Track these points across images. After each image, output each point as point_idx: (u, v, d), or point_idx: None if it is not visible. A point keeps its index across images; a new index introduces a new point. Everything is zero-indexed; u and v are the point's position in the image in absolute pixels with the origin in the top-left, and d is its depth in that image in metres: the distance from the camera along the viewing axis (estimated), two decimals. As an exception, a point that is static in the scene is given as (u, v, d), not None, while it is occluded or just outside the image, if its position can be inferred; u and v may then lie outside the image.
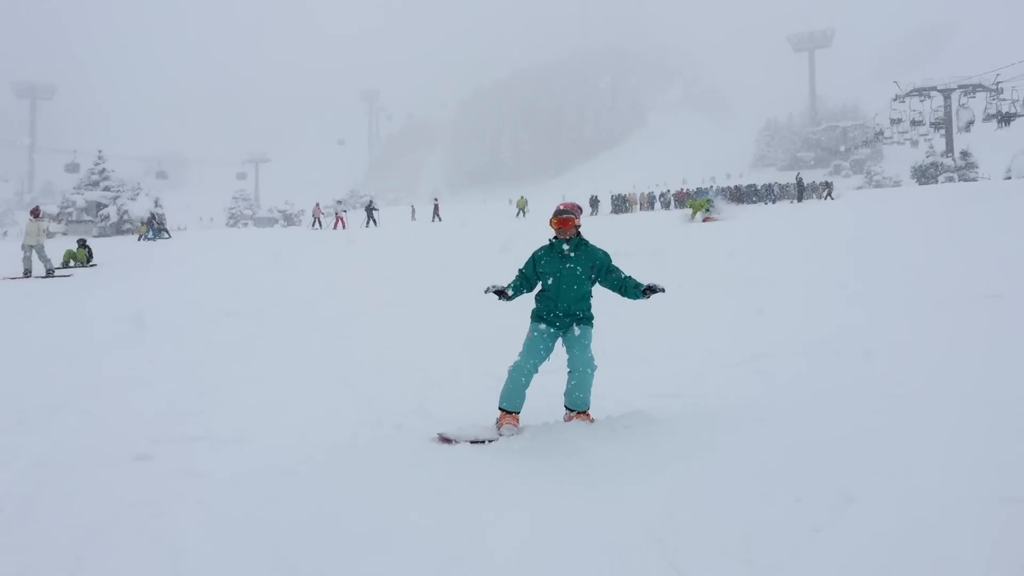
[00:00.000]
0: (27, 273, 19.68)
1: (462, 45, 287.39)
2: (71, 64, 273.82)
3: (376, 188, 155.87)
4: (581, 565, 3.37)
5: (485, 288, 5.75)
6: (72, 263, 22.88)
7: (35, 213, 20.87)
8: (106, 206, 57.58)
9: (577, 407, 5.57)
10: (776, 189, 56.27)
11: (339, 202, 49.10)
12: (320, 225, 44.95)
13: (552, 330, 5.60)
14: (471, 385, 7.08)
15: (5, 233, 74.18)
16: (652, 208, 56.39)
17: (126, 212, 55.78)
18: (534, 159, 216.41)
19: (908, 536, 3.42)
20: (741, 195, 54.66)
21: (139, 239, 41.78)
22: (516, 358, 5.54)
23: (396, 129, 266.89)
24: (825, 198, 49.63)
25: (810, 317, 9.62)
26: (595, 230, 24.17)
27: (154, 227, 40.36)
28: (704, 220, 29.04)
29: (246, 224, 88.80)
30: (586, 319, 5.65)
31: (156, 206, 52.17)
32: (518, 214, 45.70)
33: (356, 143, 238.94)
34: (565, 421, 5.57)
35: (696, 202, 40.18)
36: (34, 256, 19.92)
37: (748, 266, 14.02)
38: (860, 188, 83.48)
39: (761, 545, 3.41)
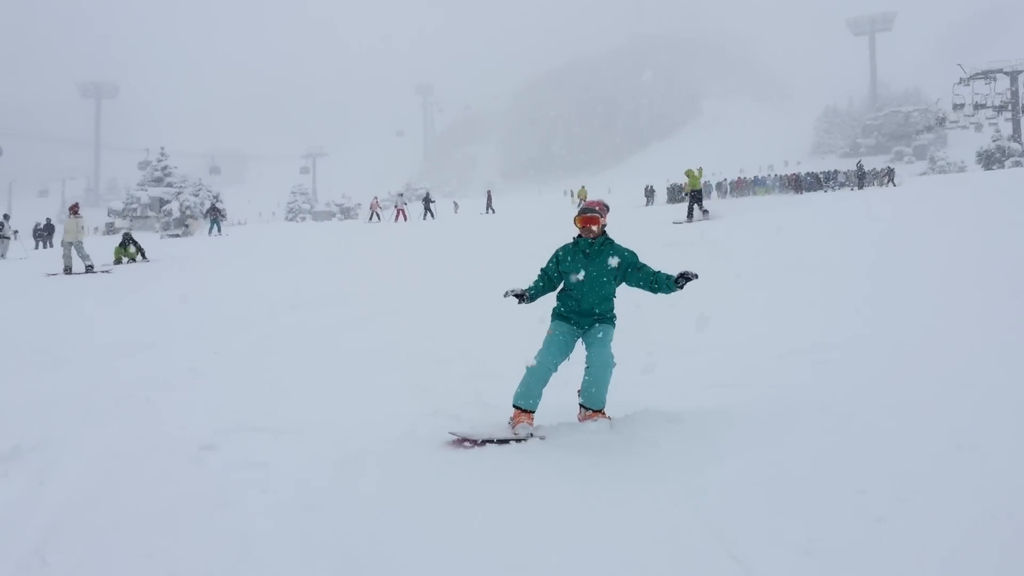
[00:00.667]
0: (67, 270, 19.80)
1: (516, 37, 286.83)
2: (133, 63, 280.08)
3: (431, 181, 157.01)
4: (639, 555, 3.36)
5: (504, 292, 5.63)
6: (124, 260, 22.86)
7: (74, 210, 21.02)
8: (168, 202, 58.85)
9: (592, 405, 5.38)
10: (842, 176, 54.83)
11: (400, 195, 49.00)
12: (379, 218, 45.25)
13: (573, 329, 5.49)
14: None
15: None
16: (708, 198, 55.77)
17: (188, 208, 56.96)
18: (588, 149, 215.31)
19: (975, 527, 3.35)
20: (800, 183, 53.70)
21: (186, 233, 42.88)
22: (534, 356, 5.38)
23: (450, 122, 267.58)
24: (887, 184, 48.57)
25: (871, 306, 9.43)
26: (646, 220, 23.97)
27: (216, 220, 41.08)
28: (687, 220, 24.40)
29: (304, 218, 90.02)
30: (608, 319, 5.52)
31: (217, 201, 53.13)
32: (579, 205, 43.67)
33: (411, 137, 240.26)
34: (580, 420, 5.41)
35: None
36: (74, 253, 20.05)
37: (807, 254, 13.78)
38: (923, 174, 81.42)
39: (823, 536, 3.37)
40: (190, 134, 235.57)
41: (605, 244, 5.53)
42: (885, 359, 6.83)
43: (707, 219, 23.57)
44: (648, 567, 3.27)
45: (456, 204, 54.95)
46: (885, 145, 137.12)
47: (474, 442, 5.11)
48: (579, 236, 5.58)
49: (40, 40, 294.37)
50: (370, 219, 45.79)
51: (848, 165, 67.62)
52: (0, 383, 7.86)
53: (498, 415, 5.64)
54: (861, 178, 49.83)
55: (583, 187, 48.78)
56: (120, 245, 23.27)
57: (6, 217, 29.44)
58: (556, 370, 5.38)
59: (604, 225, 5.58)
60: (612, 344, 5.42)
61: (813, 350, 7.33)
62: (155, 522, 4.07)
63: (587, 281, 5.44)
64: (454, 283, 14.29)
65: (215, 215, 41.80)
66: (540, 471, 4.47)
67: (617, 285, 5.55)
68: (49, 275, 19.40)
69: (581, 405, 5.45)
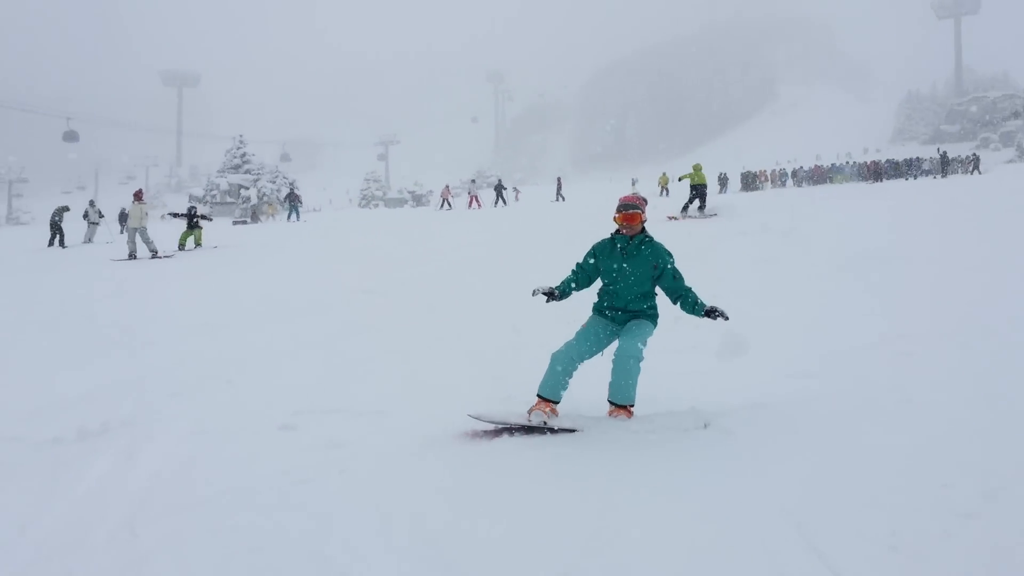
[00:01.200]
0: (132, 255, 20.01)
1: (587, 24, 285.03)
2: (214, 53, 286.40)
3: (502, 169, 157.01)
4: (714, 544, 3.34)
5: (532, 290, 5.47)
6: (188, 245, 22.52)
7: (138, 196, 21.18)
8: (247, 188, 60.15)
9: (617, 400, 5.13)
10: (927, 163, 52.97)
11: (472, 181, 48.96)
12: (450, 206, 45.32)
13: (608, 324, 5.37)
14: (605, 363, 7.09)
15: (163, 217, 78.35)
16: (784, 185, 54.74)
17: (264, 195, 58.13)
18: (660, 137, 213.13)
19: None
20: (880, 170, 52.27)
21: (265, 218, 43.73)
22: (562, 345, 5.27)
23: (521, 110, 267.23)
24: (972, 172, 47.01)
25: (958, 298, 9.13)
26: (718, 209, 23.59)
27: (295, 206, 41.75)
28: (670, 218, 22.47)
29: (376, 205, 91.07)
30: (648, 315, 5.36)
31: (295, 188, 54.07)
32: (661, 193, 41.14)
33: (482, 125, 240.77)
34: (609, 416, 5.17)
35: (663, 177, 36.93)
36: (138, 239, 20.30)
37: (889, 244, 13.41)
38: (1010, 162, 78.59)
39: (907, 530, 3.29)
40: (267, 122, 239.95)
41: (644, 243, 5.37)
42: (968, 352, 6.64)
43: (703, 217, 22.31)
44: (723, 555, 3.25)
45: (517, 191, 50.99)
46: (970, 132, 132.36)
47: (494, 425, 5.11)
48: (617, 232, 5.42)
49: (124, 31, 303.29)
50: (441, 207, 45.95)
51: (930, 152, 65.54)
52: (91, 363, 8.19)
53: (574, 405, 5.64)
54: (945, 166, 48.31)
55: (664, 174, 46.23)
56: (188, 227, 22.83)
57: (92, 203, 30.44)
58: (582, 361, 5.24)
59: (644, 221, 5.42)
60: (648, 340, 5.25)
61: (893, 341, 7.15)
62: (239, 498, 4.19)
63: (624, 279, 5.31)
64: (532, 272, 14.30)
65: (293, 201, 42.50)
66: (613, 459, 4.47)
67: (654, 286, 5.39)
68: (115, 260, 19.77)
69: (608, 401, 5.22)
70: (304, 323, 10.15)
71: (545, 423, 5.02)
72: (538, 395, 5.20)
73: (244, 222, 45.05)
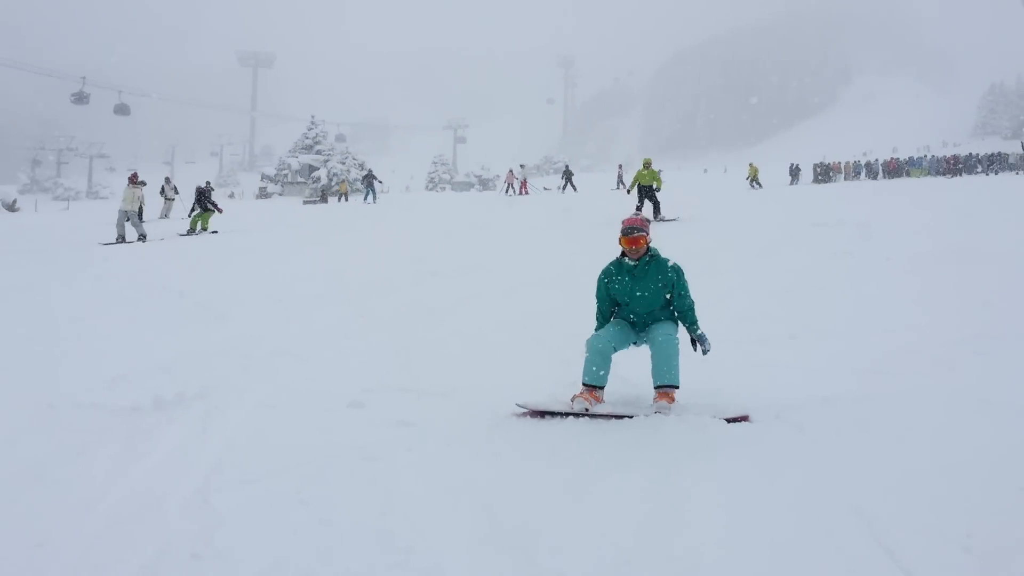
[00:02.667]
0: (120, 239, 19.52)
1: (661, 9, 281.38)
2: (288, 34, 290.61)
3: (570, 154, 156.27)
4: (784, 541, 3.29)
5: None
6: (199, 229, 21.61)
7: (132, 180, 20.59)
8: (317, 168, 60.97)
9: (663, 380, 5.12)
10: (1015, 158, 50.38)
11: (522, 166, 47.44)
12: (514, 191, 45.16)
13: (632, 327, 5.50)
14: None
15: (232, 195, 79.73)
16: (858, 178, 53.46)
17: (335, 175, 58.86)
18: (731, 126, 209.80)
19: None
20: (959, 165, 50.60)
21: (339, 199, 44.15)
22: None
23: (592, 95, 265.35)
24: (1056, 169, 45.34)
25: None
26: (791, 200, 23.10)
27: (372, 188, 41.84)
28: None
29: (443, 188, 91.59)
30: (670, 319, 5.45)
31: (369, 170, 54.57)
32: (752, 184, 38.94)
33: (551, 109, 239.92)
34: (655, 402, 5.13)
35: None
36: (128, 224, 19.66)
37: (964, 240, 13.02)
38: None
39: (983, 532, 3.20)
40: (339, 103, 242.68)
41: (651, 262, 5.42)
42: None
43: (661, 220, 19.21)
44: (789, 549, 3.21)
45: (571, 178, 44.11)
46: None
47: (537, 413, 5.22)
48: (623, 255, 5.49)
49: (202, 11, 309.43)
50: (506, 191, 45.85)
51: (1013, 148, 63.21)
52: (169, 335, 8.42)
53: (637, 391, 5.64)
54: (1028, 161, 46.60)
55: (752, 164, 42.03)
56: (198, 211, 21.95)
57: (167, 180, 31.20)
58: (615, 349, 5.35)
59: (649, 242, 5.45)
60: (676, 332, 5.34)
61: (970, 340, 6.94)
62: (308, 472, 4.28)
63: (636, 301, 5.40)
64: (591, 256, 14.22)
65: (370, 182, 42.62)
66: (676, 447, 4.44)
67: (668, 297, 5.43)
68: (102, 244, 19.18)
69: (655, 387, 5.20)
70: (371, 304, 10.28)
71: (587, 410, 5.12)
72: (583, 383, 5.31)
73: (314, 201, 45.65)
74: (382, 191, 51.24)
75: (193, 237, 20.85)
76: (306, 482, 4.12)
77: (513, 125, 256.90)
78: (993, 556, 3.04)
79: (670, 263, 5.42)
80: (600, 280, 5.60)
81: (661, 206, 20.02)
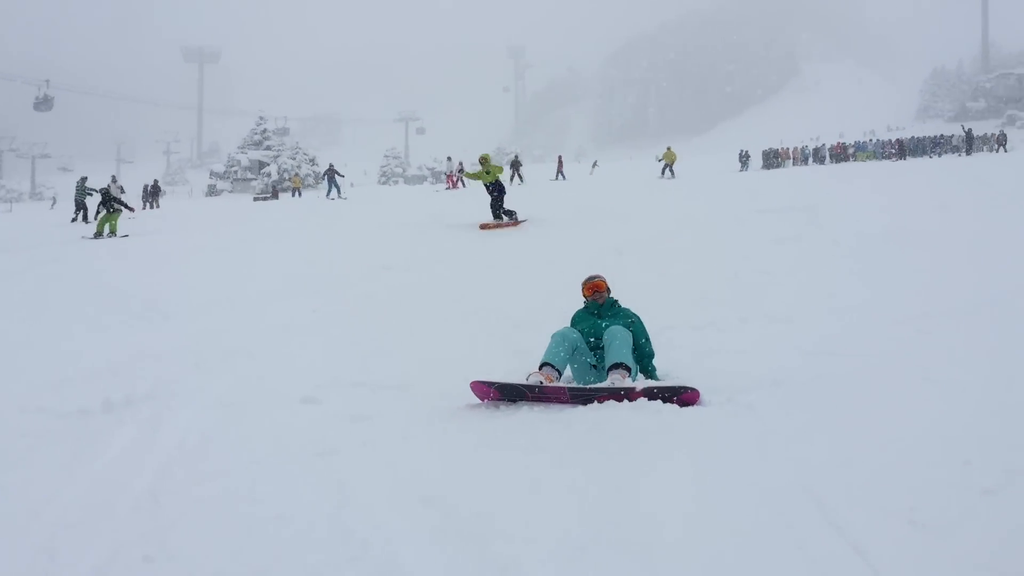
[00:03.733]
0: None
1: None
2: (233, 29, 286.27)
3: (522, 145, 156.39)
4: (734, 520, 3.33)
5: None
6: (106, 233, 19.69)
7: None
8: (267, 164, 60.31)
9: (616, 359, 5.33)
10: (957, 140, 51.60)
11: (449, 159, 46.17)
12: (464, 185, 44.59)
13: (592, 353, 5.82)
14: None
15: (191, 192, 78.21)
16: (806, 163, 54.23)
17: (286, 171, 58.28)
18: (682, 114, 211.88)
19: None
20: (904, 148, 51.55)
21: (292, 195, 43.62)
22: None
23: (544, 85, 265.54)
24: (998, 150, 46.42)
25: (980, 276, 9.04)
26: (740, 187, 23.37)
27: (334, 182, 40.86)
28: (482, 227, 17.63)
29: (396, 182, 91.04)
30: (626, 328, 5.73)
31: (329, 165, 53.87)
32: (663, 167, 38.28)
33: (502, 100, 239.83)
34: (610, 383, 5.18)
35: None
36: None
37: (909, 222, 13.29)
38: (1038, 140, 77.32)
39: (927, 506, 3.27)
40: (287, 98, 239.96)
41: (615, 304, 6.13)
42: (988, 330, 6.58)
43: (514, 222, 17.68)
44: (743, 532, 3.25)
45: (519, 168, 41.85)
46: (996, 109, 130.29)
47: (491, 387, 5.33)
48: (589, 301, 6.16)
49: (145, 6, 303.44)
50: (456, 185, 45.47)
51: (955, 130, 64.55)
52: (117, 336, 8.28)
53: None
54: (970, 144, 47.65)
55: (669, 148, 43.35)
56: (104, 212, 20.26)
57: (113, 179, 30.56)
58: (577, 341, 5.69)
59: (608, 290, 6.20)
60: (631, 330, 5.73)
61: (914, 320, 7.09)
62: (261, 469, 4.25)
63: (606, 332, 5.65)
64: (545, 247, 14.26)
65: (332, 176, 41.49)
66: (630, 431, 4.47)
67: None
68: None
69: (607, 369, 5.37)
70: (323, 299, 10.20)
71: (541, 383, 5.22)
72: (540, 362, 5.56)
73: (265, 198, 45.07)
74: (348, 184, 50.16)
75: (125, 239, 18.89)
76: (260, 479, 4.09)
77: (468, 117, 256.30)
78: (937, 529, 3.11)
79: (632, 311, 6.03)
80: (572, 319, 6.14)
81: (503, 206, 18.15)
